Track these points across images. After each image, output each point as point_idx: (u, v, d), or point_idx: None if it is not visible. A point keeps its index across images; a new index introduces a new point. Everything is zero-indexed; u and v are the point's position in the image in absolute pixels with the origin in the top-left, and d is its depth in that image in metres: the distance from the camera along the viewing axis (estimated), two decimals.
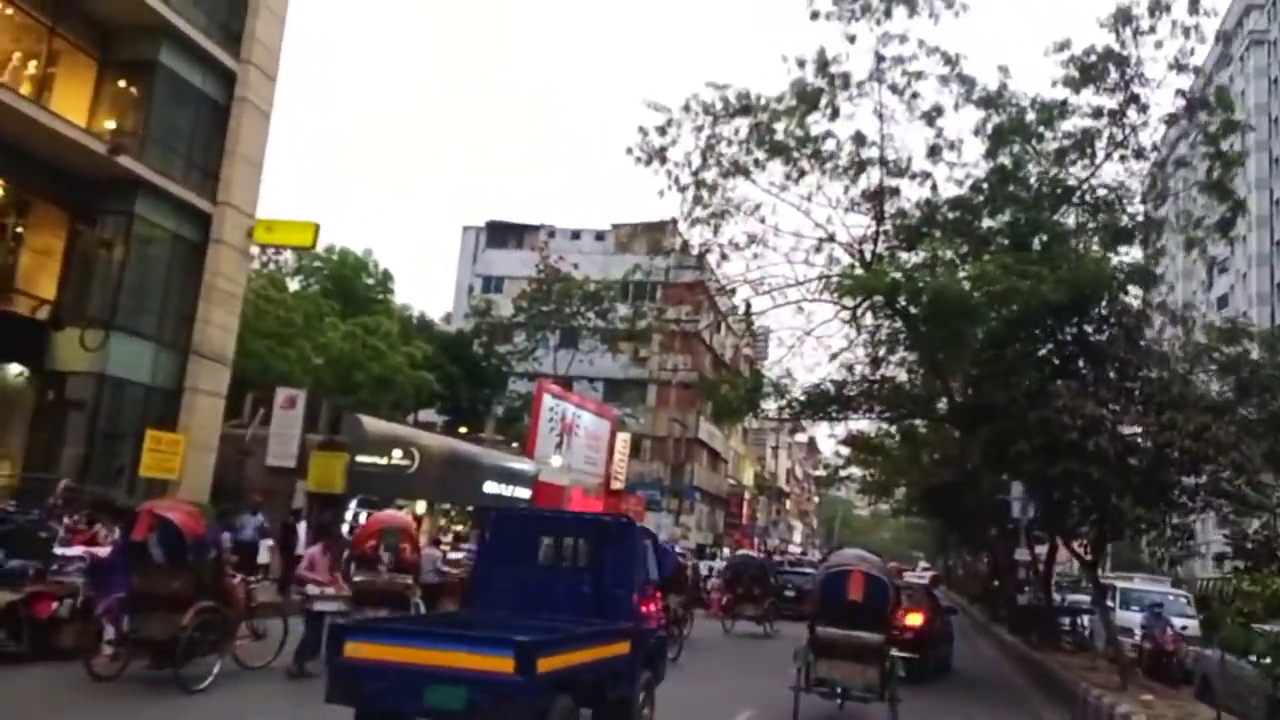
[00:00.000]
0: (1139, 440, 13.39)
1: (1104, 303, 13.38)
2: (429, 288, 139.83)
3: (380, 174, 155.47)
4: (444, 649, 7.28)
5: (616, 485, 44.66)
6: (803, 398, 20.92)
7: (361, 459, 23.94)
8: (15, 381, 20.14)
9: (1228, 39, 52.22)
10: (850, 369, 21.52)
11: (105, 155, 19.04)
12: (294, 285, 43.60)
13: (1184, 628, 15.27)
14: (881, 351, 21.30)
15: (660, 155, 24.79)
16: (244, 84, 22.43)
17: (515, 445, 37.13)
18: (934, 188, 23.24)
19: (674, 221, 29.91)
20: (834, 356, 21.40)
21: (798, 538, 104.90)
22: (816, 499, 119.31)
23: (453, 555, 21.12)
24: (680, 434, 52.39)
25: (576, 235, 55.33)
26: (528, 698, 6.91)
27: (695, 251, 26.63)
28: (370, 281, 45.86)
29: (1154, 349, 14.18)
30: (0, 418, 20.08)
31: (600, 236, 54.61)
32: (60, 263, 20.46)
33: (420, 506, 28.64)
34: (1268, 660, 6.52)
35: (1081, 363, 13.98)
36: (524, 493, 34.36)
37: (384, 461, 24.14)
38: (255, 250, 46.00)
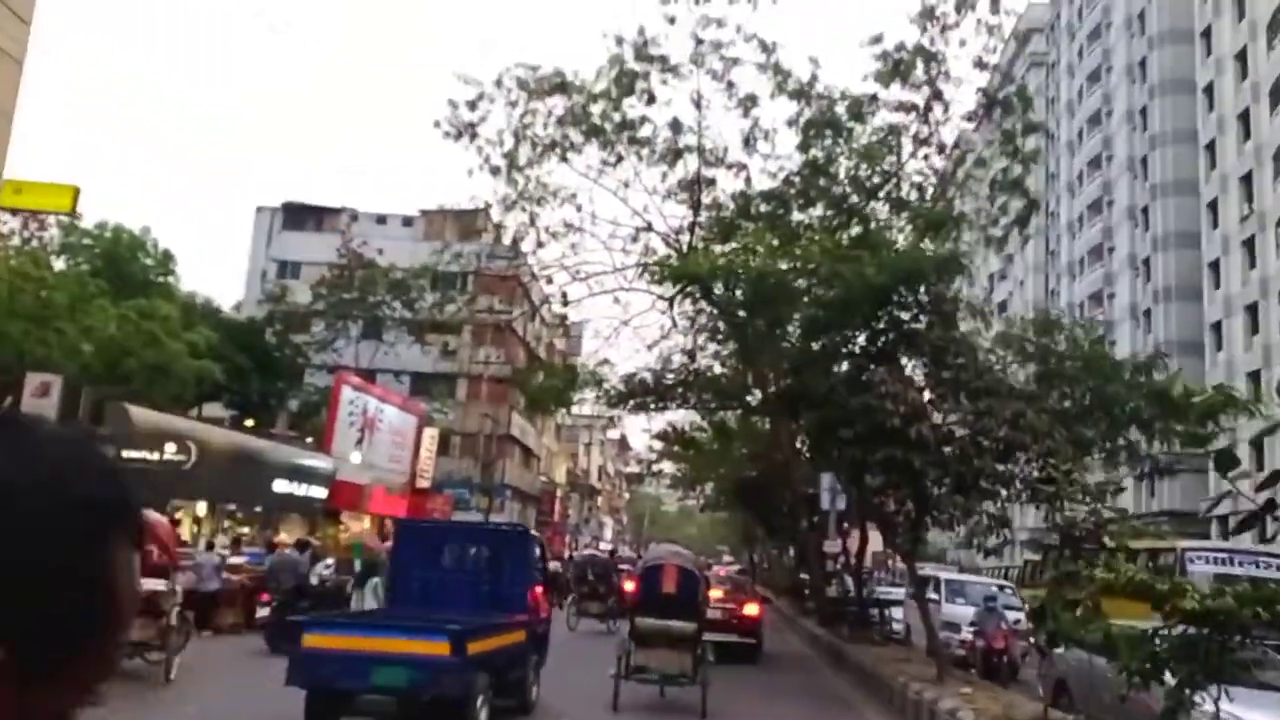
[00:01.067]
0: (954, 428, 13.28)
1: (922, 288, 13.21)
2: (218, 273, 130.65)
3: (168, 151, 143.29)
4: (388, 637, 9.04)
5: (423, 483, 42.75)
6: (621, 387, 20.17)
7: (129, 454, 21.36)
8: None
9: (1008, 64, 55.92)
10: (668, 359, 20.97)
11: None
12: (60, 265, 39.26)
13: (1017, 622, 14.60)
14: (700, 339, 20.84)
15: (470, 131, 23.49)
16: None
17: (309, 440, 34.68)
18: (748, 180, 23.10)
19: (487, 208, 28.64)
20: (651, 346, 20.81)
21: (608, 534, 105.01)
22: (627, 495, 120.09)
23: (234, 560, 19.13)
24: (491, 430, 50.81)
25: (382, 220, 52.69)
26: (459, 675, 8.68)
27: (510, 238, 25.49)
28: (149, 262, 41.90)
29: (967, 338, 14.19)
30: None
31: (408, 222, 52.20)
32: None
33: (201, 507, 26.09)
34: (1129, 658, 6.11)
35: (899, 350, 13.78)
36: (319, 491, 32.12)
37: (155, 457, 21.63)
38: (13, 224, 41.42)
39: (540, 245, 23.94)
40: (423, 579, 11.26)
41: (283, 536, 28.36)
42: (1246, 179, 41.24)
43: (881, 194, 21.42)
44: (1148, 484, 43.04)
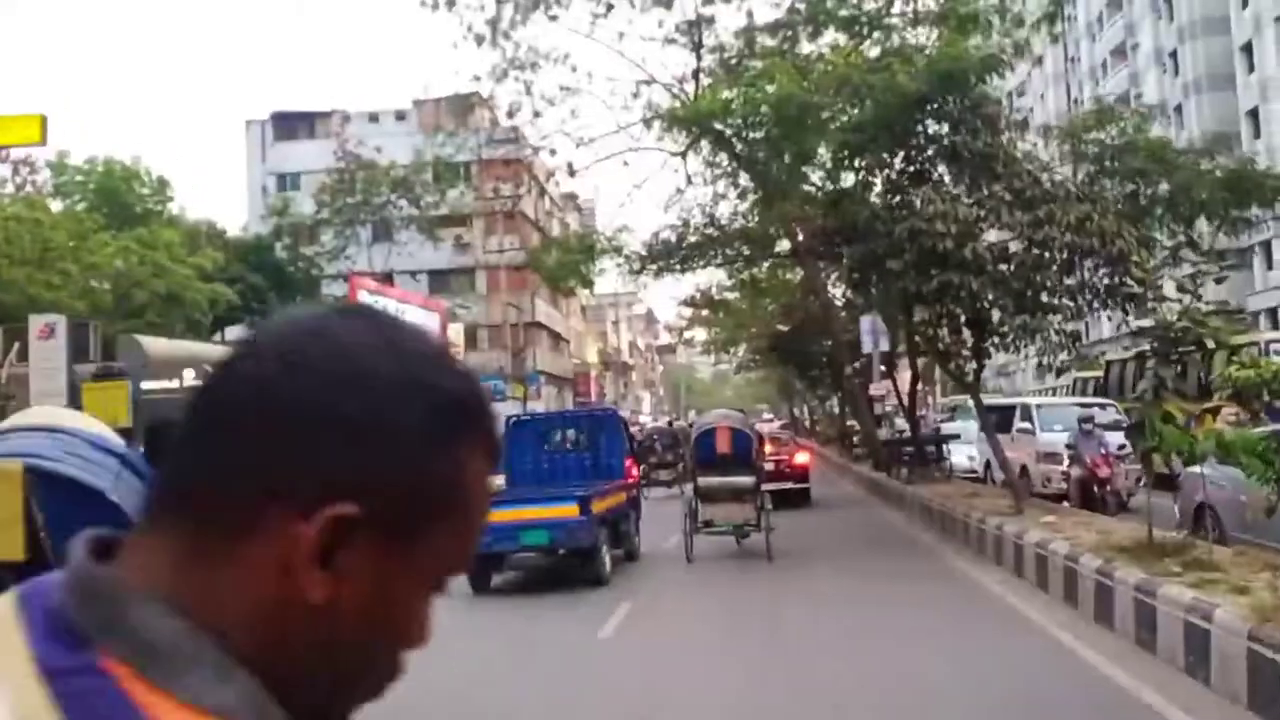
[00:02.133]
0: (1010, 244, 12.15)
1: (966, 91, 11.86)
2: (219, 194, 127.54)
3: (145, 75, 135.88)
4: (530, 507, 11.08)
5: None
6: (642, 252, 19.05)
7: (148, 386, 20.76)
8: None
9: None
10: (688, 217, 19.74)
11: None
12: (57, 206, 38.21)
13: (1121, 447, 12.04)
14: (721, 188, 19.54)
15: (449, 2, 21.86)
16: None
17: None
18: (750, 13, 21.37)
19: (478, 94, 27.10)
20: (668, 208, 19.55)
21: (646, 407, 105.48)
22: (660, 368, 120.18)
23: None
24: (517, 319, 50.03)
25: (375, 118, 50.76)
26: (588, 529, 11.06)
27: (505, 110, 24.05)
28: (145, 192, 40.79)
29: (1014, 144, 12.87)
30: None
31: (402, 116, 50.18)
32: None
33: None
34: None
35: (942, 167, 12.50)
36: None
37: (177, 385, 20.99)
38: (3, 172, 40.25)
39: (537, 115, 22.55)
40: (534, 460, 13.72)
41: None
42: None
43: (896, 5, 19.69)
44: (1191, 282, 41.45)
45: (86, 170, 40.21)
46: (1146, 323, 9.82)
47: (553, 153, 23.38)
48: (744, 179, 19.01)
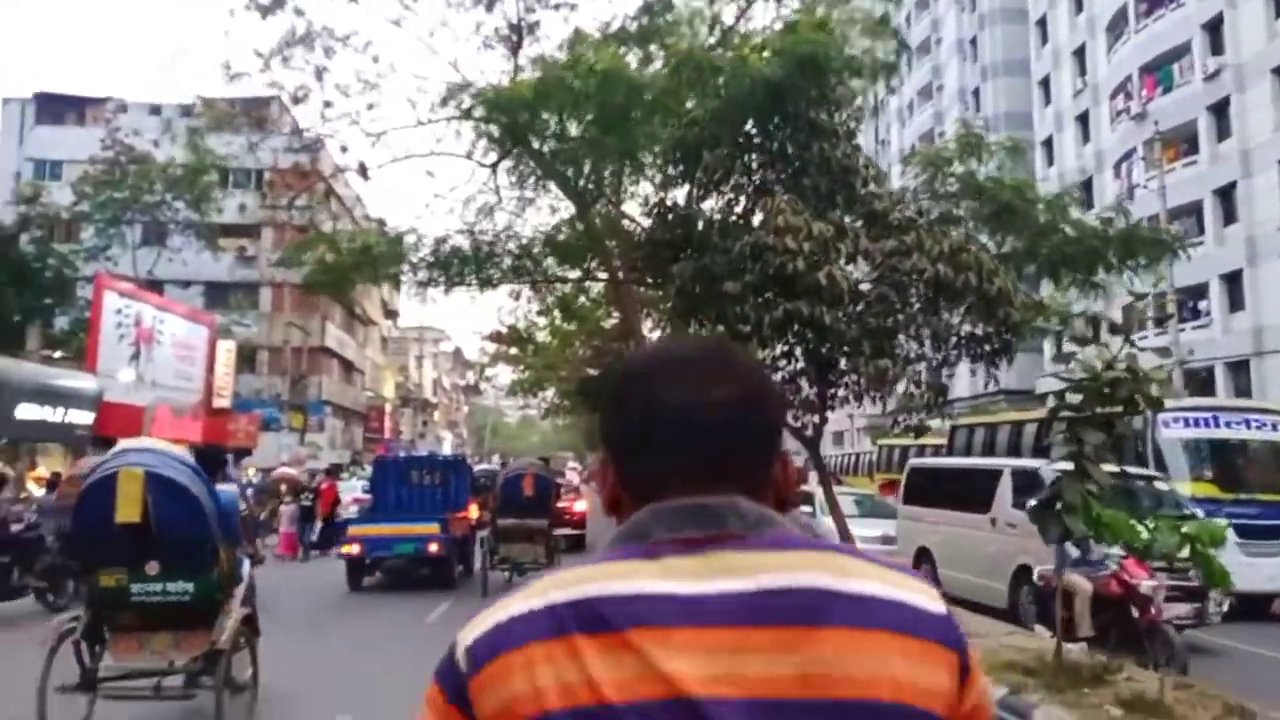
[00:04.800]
0: (864, 276, 10.21)
1: (826, 87, 9.90)
2: None
3: None
4: (401, 525, 15.24)
5: (221, 403, 37.53)
6: (430, 258, 16.19)
7: None
8: None
9: None
10: (487, 214, 17.01)
11: None
12: None
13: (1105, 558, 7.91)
14: (529, 190, 16.96)
15: None
16: None
17: (57, 355, 29.13)
18: (577, 32, 19.15)
19: (278, 99, 23.65)
20: (468, 202, 16.79)
21: (448, 448, 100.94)
22: (466, 408, 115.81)
23: None
24: (302, 342, 45.52)
25: (156, 110, 45.36)
26: (444, 543, 15.22)
27: (290, 95, 20.71)
28: None
29: (872, 162, 11.03)
30: None
31: (188, 112, 45.16)
32: None
33: None
34: None
35: (789, 172, 10.42)
36: (83, 416, 26.83)
37: None
38: None
39: (328, 105, 19.44)
40: (397, 492, 16.64)
41: (40, 471, 23.56)
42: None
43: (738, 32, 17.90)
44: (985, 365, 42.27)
45: None
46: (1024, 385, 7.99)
47: (344, 149, 20.22)
48: (554, 189, 16.61)
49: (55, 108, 46.32)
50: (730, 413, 1.05)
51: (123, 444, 7.12)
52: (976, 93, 48.85)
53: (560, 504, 19.27)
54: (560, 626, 0.96)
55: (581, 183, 15.46)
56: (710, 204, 11.12)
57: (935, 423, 13.67)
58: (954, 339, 10.20)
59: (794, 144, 10.02)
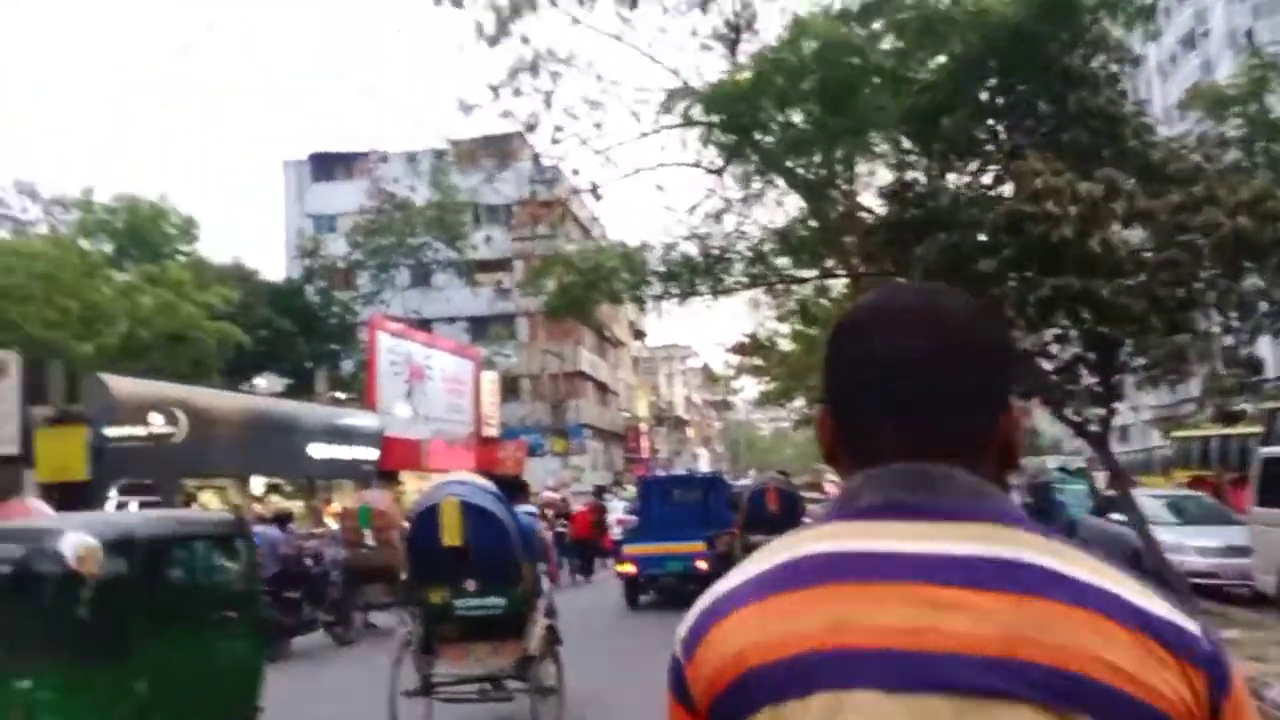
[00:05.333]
0: (1144, 239, 8.88)
1: (1079, 28, 8.72)
2: (259, 238, 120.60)
3: (183, 119, 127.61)
4: (669, 544, 15.53)
5: (490, 432, 39.48)
6: (661, 268, 16.00)
7: (113, 432, 18.22)
8: None
9: None
10: (715, 219, 16.57)
11: None
12: (85, 245, 36.62)
13: None
14: (755, 186, 16.35)
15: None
16: None
17: (343, 397, 31.52)
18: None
19: (519, 134, 24.59)
20: (695, 208, 16.44)
21: (704, 465, 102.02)
22: (719, 424, 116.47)
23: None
24: (559, 368, 47.25)
25: (413, 158, 48.94)
26: (713, 561, 14.83)
27: (523, 124, 21.36)
28: (171, 230, 39.16)
29: (1142, 108, 9.63)
30: None
31: (440, 155, 48.32)
32: None
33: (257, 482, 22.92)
34: None
35: (1043, 130, 9.23)
36: (369, 452, 28.96)
37: (142, 431, 18.40)
38: (34, 213, 38.94)
39: (558, 129, 19.85)
40: (660, 513, 16.87)
41: (335, 506, 25.46)
42: None
43: None
44: None
45: (113, 209, 38.76)
46: None
47: (575, 172, 20.59)
48: (781, 184, 15.93)
49: (327, 165, 50.87)
50: (945, 365, 1.00)
51: (441, 478, 8.50)
52: (1249, 34, 43.34)
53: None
54: (761, 590, 0.99)
55: (810, 173, 14.74)
56: (953, 178, 10.11)
57: (1248, 407, 11.56)
58: (1262, 306, 8.66)
59: (1046, 97, 8.87)
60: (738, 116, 12.85)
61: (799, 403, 45.52)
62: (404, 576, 13.79)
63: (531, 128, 20.40)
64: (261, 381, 34.23)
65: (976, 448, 1.01)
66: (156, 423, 18.28)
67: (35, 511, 8.69)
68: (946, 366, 1.00)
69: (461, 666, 7.34)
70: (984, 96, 9.42)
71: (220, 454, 21.22)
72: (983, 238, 8.51)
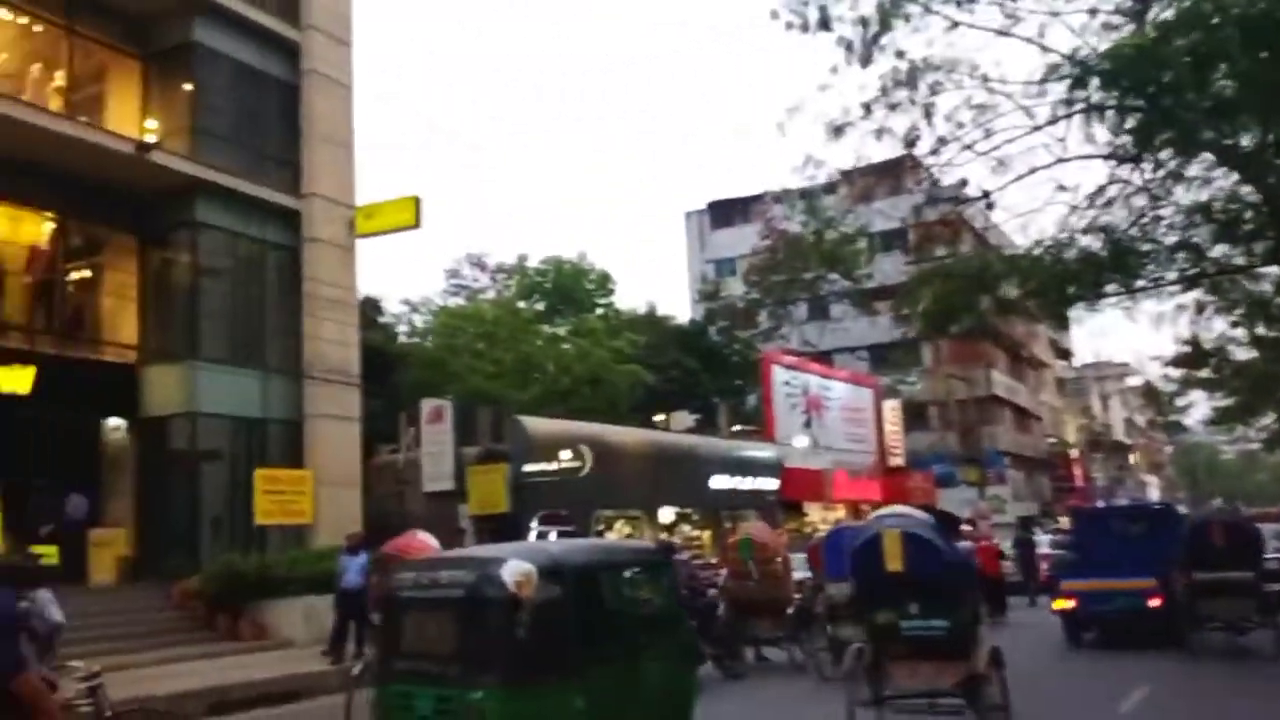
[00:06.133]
0: None
1: None
2: (667, 286, 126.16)
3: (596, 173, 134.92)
4: (1112, 580, 14.08)
5: (895, 461, 38.07)
6: (1050, 262, 14.05)
7: (528, 468, 19.85)
8: (116, 437, 17.79)
9: None
10: (1124, 205, 14.27)
11: (137, 155, 16.21)
12: (523, 305, 41.12)
13: None
14: (1168, 165, 13.92)
15: (822, 20, 18.84)
16: (309, 54, 19.21)
17: (738, 429, 31.95)
18: None
19: (910, 156, 23.68)
20: (1098, 193, 14.26)
21: (1154, 494, 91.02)
22: (1170, 448, 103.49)
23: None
24: (968, 394, 44.56)
25: (805, 195, 49.16)
26: (1164, 598, 13.63)
27: (900, 138, 20.32)
28: (590, 286, 42.70)
29: None
30: (110, 480, 17.76)
31: (830, 189, 48.06)
32: (138, 294, 17.98)
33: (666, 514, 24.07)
34: None
35: None
36: (768, 483, 29.08)
37: (553, 467, 19.86)
38: (483, 280, 44.44)
39: (942, 141, 18.59)
40: (1099, 546, 15.23)
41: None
42: None
43: None
44: None
45: (543, 270, 43.03)
46: None
47: (963, 183, 19.14)
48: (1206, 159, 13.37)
49: (724, 211, 52.72)
50: None
51: (879, 511, 9.19)
52: None
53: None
54: None
55: (1245, 143, 12.27)
56: None
57: None
58: None
59: None
60: (1142, 83, 10.97)
61: (1269, 419, 38.90)
62: (790, 611, 13.56)
63: (912, 143, 19.34)
64: (678, 416, 35.94)
65: None
66: (565, 458, 19.59)
67: (427, 544, 9.49)
68: None
69: (910, 683, 7.90)
70: None
71: (626, 486, 22.33)
72: None
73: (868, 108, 18.99)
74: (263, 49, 18.71)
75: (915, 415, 43.89)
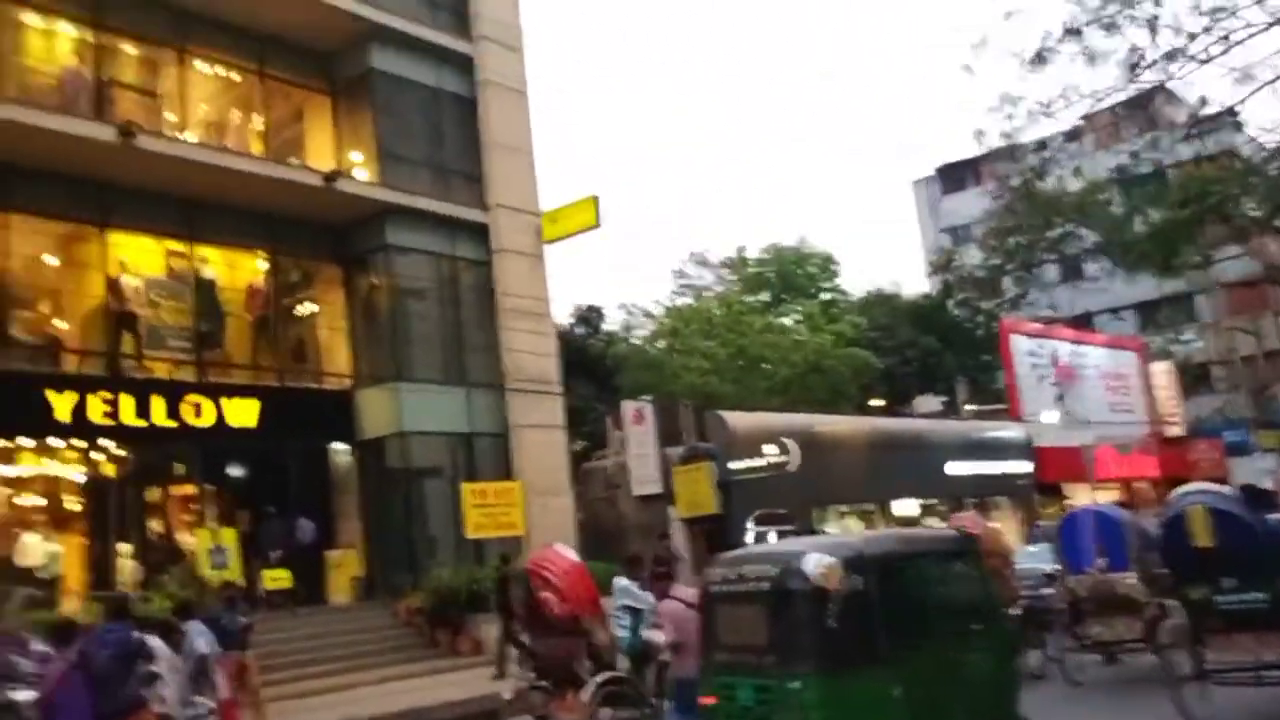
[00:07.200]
0: None
1: None
2: (895, 257, 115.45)
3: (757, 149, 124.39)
4: None
5: (1173, 430, 33.81)
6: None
7: (734, 465, 18.90)
8: (342, 461, 18.47)
9: None
10: None
11: (324, 186, 16.72)
12: (749, 299, 40.27)
13: None
14: None
15: None
16: (483, 65, 19.24)
17: (973, 409, 29.33)
18: None
19: (1161, 86, 20.79)
20: None
21: None
22: None
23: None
24: (1257, 347, 39.04)
25: (1041, 146, 45.00)
26: None
27: (1121, 62, 17.68)
28: (813, 270, 41.10)
29: None
30: (340, 503, 18.47)
31: (1073, 137, 43.63)
32: (346, 320, 18.62)
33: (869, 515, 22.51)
34: None
35: None
36: (1019, 465, 26.49)
37: (759, 463, 18.79)
38: (708, 279, 43.95)
39: (1170, 59, 15.93)
40: None
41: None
42: None
43: None
44: None
45: (764, 260, 41.87)
46: None
47: (1203, 101, 16.48)
48: None
49: (955, 175, 49.27)
50: None
51: (1183, 488, 9.14)
52: None
53: None
54: None
55: None
56: None
57: None
58: None
59: None
60: None
61: None
62: (1015, 611, 11.85)
63: (1134, 66, 16.81)
64: (920, 401, 33.74)
65: None
66: (770, 453, 18.48)
67: (563, 557, 8.83)
68: None
69: (1230, 655, 7.97)
70: None
71: (843, 479, 20.86)
72: None
73: (1077, 30, 16.68)
74: (438, 66, 18.92)
75: (1196, 378, 39.03)
